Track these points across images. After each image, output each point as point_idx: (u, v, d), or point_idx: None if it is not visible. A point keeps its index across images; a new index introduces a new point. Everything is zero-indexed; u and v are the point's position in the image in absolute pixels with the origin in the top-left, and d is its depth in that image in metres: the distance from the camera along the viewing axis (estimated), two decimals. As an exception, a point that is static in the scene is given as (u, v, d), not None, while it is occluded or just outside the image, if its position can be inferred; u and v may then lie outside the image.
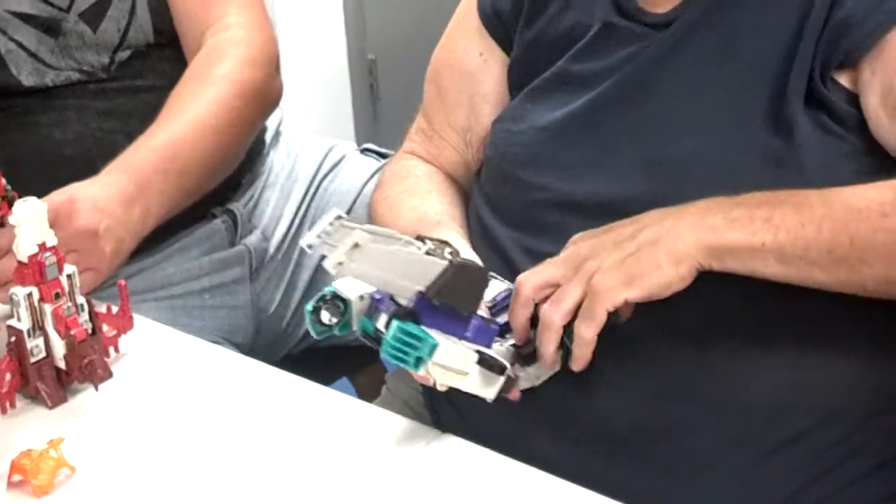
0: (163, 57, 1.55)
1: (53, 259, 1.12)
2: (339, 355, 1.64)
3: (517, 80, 1.28)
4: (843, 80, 1.08)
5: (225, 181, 1.57)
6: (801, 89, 1.07)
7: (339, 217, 0.98)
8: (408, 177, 1.35)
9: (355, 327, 1.02)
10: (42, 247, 1.11)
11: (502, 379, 1.02)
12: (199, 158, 1.43)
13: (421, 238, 1.01)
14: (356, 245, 0.98)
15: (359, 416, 1.13)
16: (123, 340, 1.22)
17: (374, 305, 1.01)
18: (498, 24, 1.30)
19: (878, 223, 0.99)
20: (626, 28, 1.17)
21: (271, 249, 1.62)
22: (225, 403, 1.15)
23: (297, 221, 1.65)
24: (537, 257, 1.09)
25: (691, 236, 1.00)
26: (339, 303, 1.01)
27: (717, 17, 1.12)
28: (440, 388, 1.03)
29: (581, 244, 1.05)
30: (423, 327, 0.98)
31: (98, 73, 1.50)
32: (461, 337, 1.01)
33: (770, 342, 1.05)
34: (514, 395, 1.05)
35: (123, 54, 1.52)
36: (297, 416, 1.13)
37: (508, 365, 1.03)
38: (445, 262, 0.98)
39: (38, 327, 1.13)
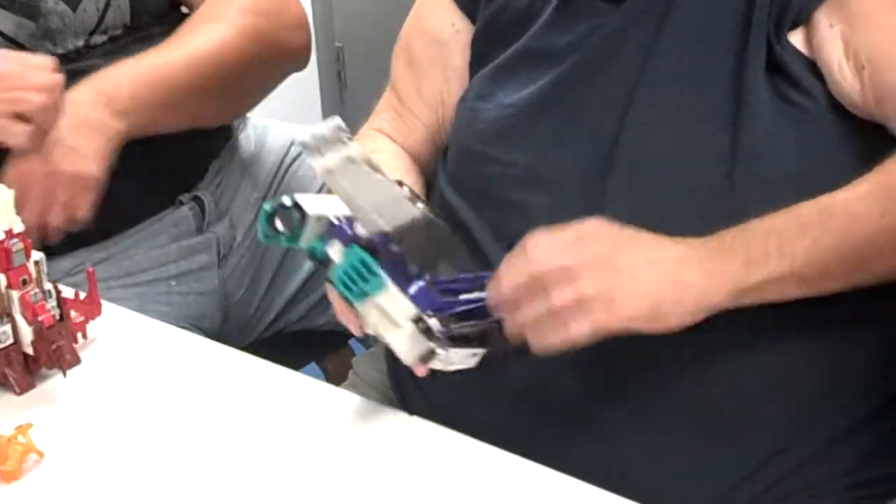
0: (136, 40, 1.54)
1: (20, 246, 1.12)
2: (307, 341, 1.65)
3: (478, 56, 1.27)
4: (798, 41, 1.09)
5: (191, 167, 1.58)
6: (761, 53, 1.07)
7: (341, 127, 0.95)
8: (378, 151, 1.34)
9: (303, 244, 0.99)
10: (9, 233, 1.11)
11: (427, 346, 0.99)
12: (190, 81, 1.47)
13: (408, 188, 1.01)
14: (350, 159, 0.95)
15: (327, 400, 1.14)
16: (91, 326, 1.22)
17: (331, 230, 0.99)
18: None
19: (876, 225, 1.01)
20: (585, 3, 1.17)
21: (238, 237, 1.63)
22: (193, 389, 1.15)
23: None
24: (501, 237, 1.10)
25: (721, 287, 1.00)
26: (296, 214, 0.98)
27: None
28: (363, 330, 1.01)
29: (606, 245, 1.01)
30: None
31: (71, 56, 1.49)
32: (403, 291, 0.99)
33: (724, 320, 1.06)
34: (421, 370, 1.02)
35: (100, 38, 1.52)
36: (266, 400, 1.13)
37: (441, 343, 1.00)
38: (421, 212, 0.98)
39: (5, 314, 1.13)
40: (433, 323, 1.00)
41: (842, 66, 1.07)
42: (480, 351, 1.02)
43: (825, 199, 1.02)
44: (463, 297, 1.03)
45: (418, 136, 1.35)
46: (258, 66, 1.56)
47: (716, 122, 1.08)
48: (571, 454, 1.06)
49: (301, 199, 1.00)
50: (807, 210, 1.02)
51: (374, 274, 0.97)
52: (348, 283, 0.97)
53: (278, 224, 0.99)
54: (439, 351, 1.01)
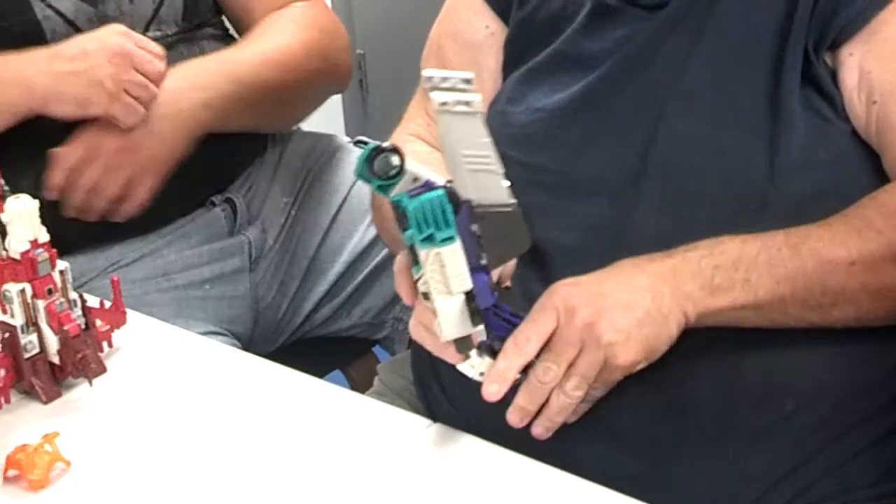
0: (180, 42, 1.57)
1: (45, 255, 1.12)
2: (332, 348, 1.66)
3: (511, 59, 1.27)
4: (828, 58, 1.09)
5: (224, 169, 1.59)
6: (797, 68, 1.07)
7: (468, 79, 0.96)
8: (416, 154, 1.33)
9: (392, 194, 0.97)
10: (34, 243, 1.11)
11: (471, 331, 0.99)
12: (262, 82, 1.54)
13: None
14: (468, 104, 0.95)
15: (352, 408, 1.14)
16: (116, 335, 1.22)
17: (422, 189, 0.97)
18: (501, 1, 1.29)
19: (846, 272, 1.02)
20: (620, 9, 1.17)
21: (269, 240, 1.63)
22: (219, 397, 1.16)
23: (293, 213, 1.66)
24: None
25: (689, 305, 1.01)
26: (396, 160, 0.96)
27: None
28: (421, 285, 0.99)
29: (585, 310, 1.00)
30: None
31: None
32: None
33: (754, 337, 1.06)
34: (455, 357, 1.01)
35: (153, 33, 1.53)
36: (291, 408, 1.13)
37: (480, 329, 1.00)
38: (513, 202, 0.97)
39: (31, 323, 1.13)
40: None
41: (852, 95, 1.08)
42: None
43: (800, 234, 1.03)
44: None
45: None
46: (316, 79, 1.62)
47: (751, 134, 1.08)
48: (599, 462, 1.06)
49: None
50: (780, 243, 1.02)
51: (448, 225, 0.96)
52: (421, 220, 0.95)
53: (376, 164, 0.97)
54: (472, 354, 1.01)
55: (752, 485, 1.07)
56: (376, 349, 1.80)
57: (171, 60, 1.52)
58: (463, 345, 1.00)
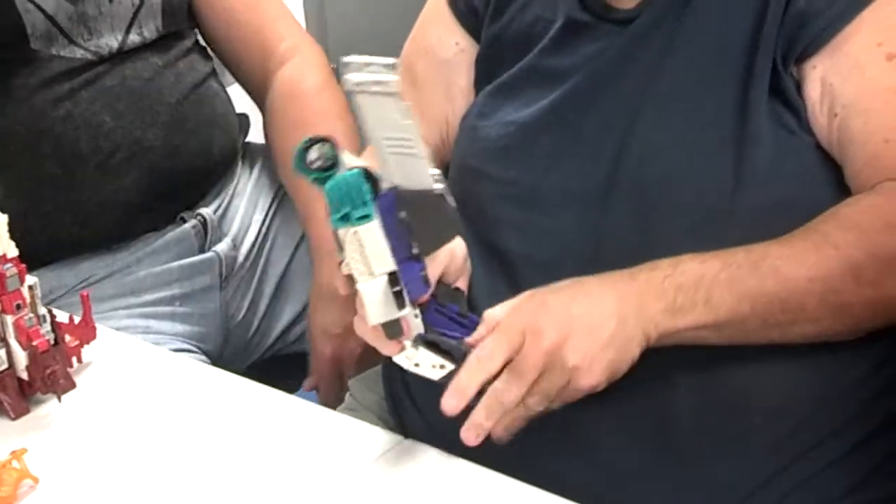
0: (155, 53, 1.56)
1: (14, 270, 1.11)
2: (303, 363, 1.64)
3: (482, 75, 1.28)
4: (794, 70, 1.09)
5: (195, 186, 1.58)
6: (765, 80, 1.08)
7: (390, 64, 0.94)
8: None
9: (328, 185, 0.96)
10: (3, 258, 1.11)
11: (397, 314, 0.98)
12: None
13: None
14: (385, 85, 0.93)
15: (323, 424, 1.13)
16: (86, 351, 1.21)
17: None
18: (470, 17, 1.29)
19: (805, 289, 1.02)
20: (591, 24, 1.18)
21: (240, 258, 1.63)
22: (189, 413, 1.15)
23: (263, 230, 1.66)
24: (497, 255, 1.10)
25: (651, 327, 1.01)
26: (330, 151, 0.96)
27: (679, 10, 1.12)
28: (343, 268, 0.98)
29: (551, 334, 0.99)
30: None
31: (102, 59, 1.51)
32: (397, 263, 0.97)
33: (722, 351, 1.06)
34: (389, 348, 1.01)
35: (133, 39, 1.53)
36: (262, 424, 1.13)
37: (412, 318, 1.00)
38: (440, 187, 0.97)
39: (-1, 339, 1.12)
40: (408, 303, 0.99)
41: (815, 107, 1.08)
42: (449, 366, 1.01)
43: (759, 251, 1.03)
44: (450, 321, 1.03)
45: None
46: None
47: (719, 146, 1.08)
48: (571, 477, 1.06)
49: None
50: (741, 261, 1.02)
51: (365, 203, 0.95)
52: (336, 200, 0.95)
53: (311, 156, 0.97)
54: (407, 345, 1.00)
55: (724, 498, 1.07)
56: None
57: (143, 69, 1.53)
58: (392, 329, 0.99)
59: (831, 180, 1.09)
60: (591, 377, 0.99)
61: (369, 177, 0.96)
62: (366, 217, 0.95)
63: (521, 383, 0.98)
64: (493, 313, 1.02)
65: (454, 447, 1.07)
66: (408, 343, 1.00)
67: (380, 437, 1.11)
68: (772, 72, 1.08)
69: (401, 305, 0.98)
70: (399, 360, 1.02)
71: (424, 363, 1.01)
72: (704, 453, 1.08)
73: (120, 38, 1.52)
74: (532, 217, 1.14)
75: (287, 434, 1.11)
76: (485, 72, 1.27)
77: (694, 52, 1.11)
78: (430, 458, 1.07)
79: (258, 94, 1.65)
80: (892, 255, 1.02)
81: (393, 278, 0.97)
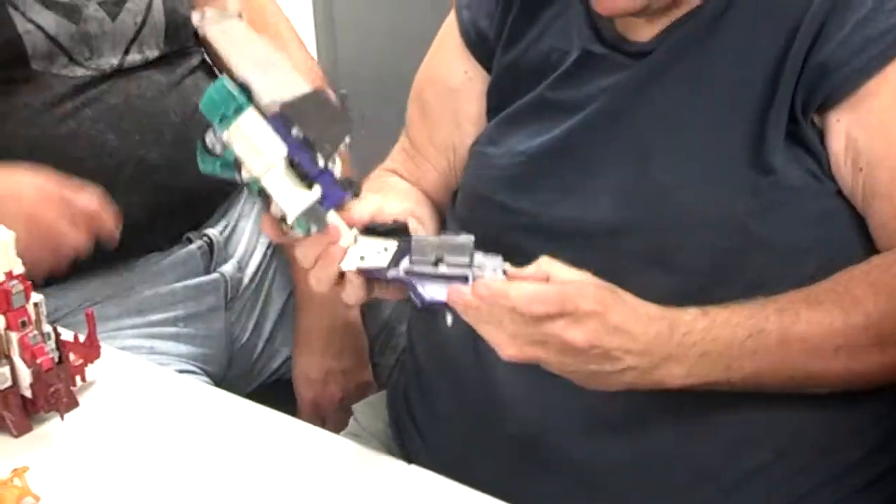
0: (161, 72, 1.56)
1: (20, 287, 1.11)
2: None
3: (495, 104, 1.27)
4: (816, 119, 1.09)
5: (200, 206, 1.58)
6: (782, 125, 1.07)
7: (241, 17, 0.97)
8: (384, 186, 1.34)
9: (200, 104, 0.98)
10: (9, 275, 1.10)
11: (312, 197, 0.97)
12: None
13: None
14: (230, 13, 0.96)
15: (327, 448, 1.13)
16: (90, 369, 1.21)
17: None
18: (481, 45, 1.29)
19: (832, 357, 1.02)
20: (606, 56, 1.17)
21: (245, 280, 1.62)
22: (192, 434, 1.14)
23: (269, 252, 1.65)
24: None
25: (664, 383, 1.02)
26: (219, 133, 0.98)
27: (697, 48, 1.12)
28: (245, 175, 0.98)
29: (579, 330, 0.97)
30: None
31: (104, 76, 1.51)
32: (312, 178, 0.97)
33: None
34: (333, 255, 1.00)
35: (134, 57, 1.53)
36: (265, 447, 1.12)
37: (337, 220, 0.99)
38: (313, 87, 0.97)
39: (3, 356, 1.12)
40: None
41: (838, 159, 1.08)
42: (392, 244, 1.01)
43: (790, 312, 1.02)
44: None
45: (431, 180, 1.35)
46: None
47: (734, 187, 1.08)
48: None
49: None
50: (770, 328, 1.02)
51: (234, 97, 0.95)
52: (212, 109, 0.96)
53: (209, 141, 0.98)
54: (346, 245, 0.99)
55: None
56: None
57: (147, 88, 1.52)
58: (315, 218, 0.98)
59: (854, 226, 1.09)
60: (603, 386, 1.01)
61: (235, 83, 0.96)
62: (239, 108, 0.96)
63: (549, 346, 0.97)
64: (559, 269, 1.00)
65: (458, 474, 1.06)
66: (346, 244, 1.00)
67: (383, 463, 1.10)
68: (789, 118, 1.07)
69: (309, 185, 0.97)
70: (345, 264, 1.01)
71: (369, 252, 1.01)
72: (704, 490, 1.07)
73: (119, 56, 1.52)
74: (540, 247, 1.13)
75: (290, 458, 1.10)
76: (497, 101, 1.27)
77: (710, 91, 1.11)
78: (434, 485, 1.06)
79: None
80: None
81: (292, 162, 0.97)
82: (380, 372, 1.61)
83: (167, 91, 1.55)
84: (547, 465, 1.10)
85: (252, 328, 1.62)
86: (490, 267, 0.99)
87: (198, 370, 1.53)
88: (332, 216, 1.00)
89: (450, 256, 0.99)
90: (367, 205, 1.03)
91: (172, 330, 1.55)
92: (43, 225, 1.28)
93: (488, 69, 1.30)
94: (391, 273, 1.00)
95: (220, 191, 1.61)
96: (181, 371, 1.47)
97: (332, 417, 1.51)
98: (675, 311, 1.02)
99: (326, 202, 0.99)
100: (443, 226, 1.31)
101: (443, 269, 0.99)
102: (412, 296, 0.99)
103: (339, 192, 0.99)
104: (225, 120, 0.96)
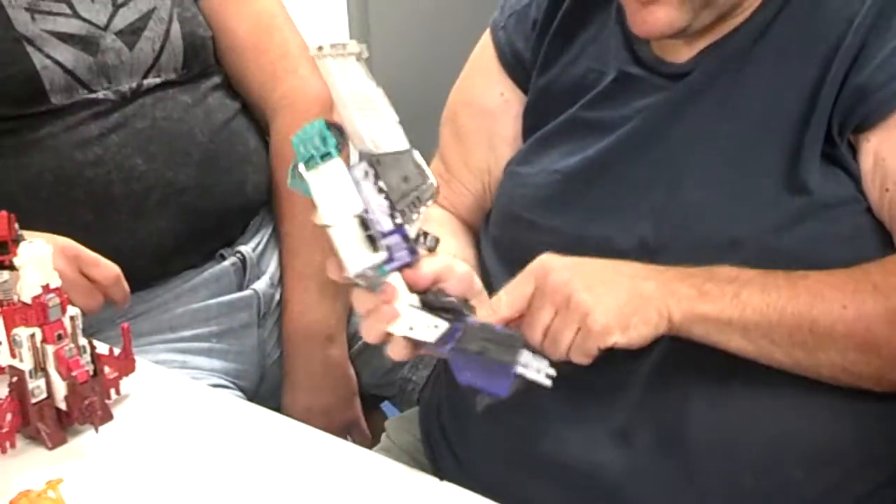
0: (184, 91, 1.57)
1: (56, 301, 1.12)
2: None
3: (530, 126, 1.27)
4: (851, 139, 1.09)
5: (231, 224, 1.59)
6: (818, 147, 1.07)
7: (359, 56, 0.96)
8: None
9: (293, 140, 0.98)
10: (45, 288, 1.11)
11: (375, 260, 0.98)
12: None
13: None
14: (344, 49, 0.95)
15: (359, 464, 1.13)
16: (125, 383, 1.22)
17: None
18: (518, 68, 1.30)
19: (837, 314, 1.02)
20: (643, 78, 1.18)
21: (277, 296, 1.63)
22: (225, 449, 1.15)
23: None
24: None
25: (674, 301, 1.02)
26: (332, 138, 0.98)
27: (734, 70, 1.12)
28: (317, 220, 0.98)
29: (562, 272, 1.03)
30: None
31: (125, 98, 1.52)
32: (382, 235, 0.98)
33: (757, 395, 1.05)
34: (389, 295, 1.00)
35: (153, 81, 1.54)
36: (297, 462, 1.12)
37: (398, 281, 1.00)
38: (408, 146, 0.97)
39: (39, 368, 1.13)
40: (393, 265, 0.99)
41: (867, 177, 1.08)
42: (443, 325, 1.01)
43: (799, 273, 1.04)
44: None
45: (466, 203, 1.35)
46: None
47: (769, 209, 1.07)
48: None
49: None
50: (780, 276, 1.03)
51: (326, 142, 0.96)
52: (303, 149, 0.96)
53: (301, 169, 0.98)
54: (408, 311, 1.00)
55: None
56: (385, 405, 1.79)
57: (173, 109, 1.53)
58: (370, 280, 0.99)
59: (883, 240, 1.08)
60: (603, 318, 1.00)
61: (333, 127, 0.97)
62: (328, 155, 0.96)
63: (536, 320, 1.00)
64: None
65: (489, 491, 1.06)
66: (400, 307, 1.00)
67: (415, 479, 1.10)
68: (826, 139, 1.07)
69: (374, 249, 0.98)
70: (394, 328, 1.01)
71: (419, 325, 1.01)
72: None
73: (137, 81, 1.53)
74: None
75: (322, 473, 1.10)
76: (533, 122, 1.27)
77: (746, 114, 1.11)
78: (465, 502, 1.06)
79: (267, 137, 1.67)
80: None
81: (364, 221, 0.97)
82: (412, 388, 1.61)
83: (192, 110, 1.56)
84: (581, 484, 1.10)
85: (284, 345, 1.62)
86: (534, 367, 1.00)
87: (230, 385, 1.54)
88: (395, 276, 1.00)
89: (496, 349, 1.00)
90: (434, 265, 1.03)
91: (205, 345, 1.56)
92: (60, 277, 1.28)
93: (524, 90, 1.30)
94: (437, 350, 1.02)
95: (252, 208, 1.62)
96: (214, 385, 1.48)
97: None
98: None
99: (390, 264, 0.99)
100: (476, 246, 1.31)
101: (487, 356, 1.00)
102: (453, 371, 1.01)
103: (406, 256, 1.00)
104: (311, 161, 0.97)
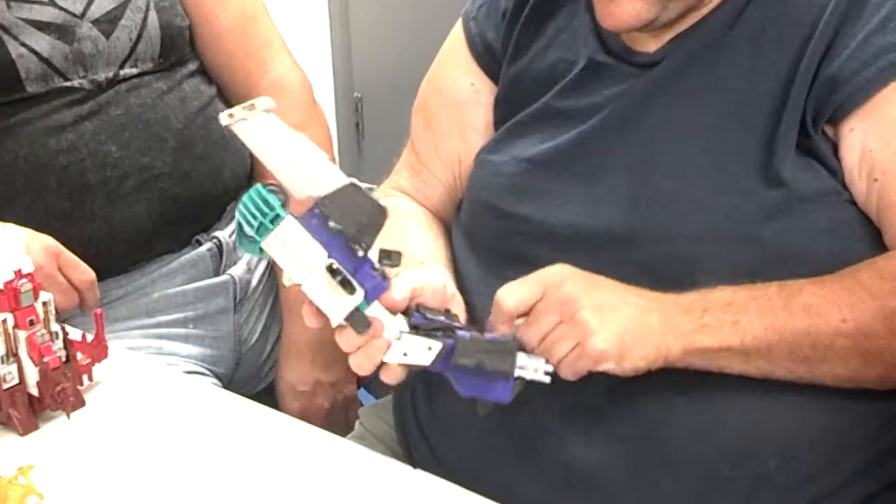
0: (159, 78, 1.56)
1: (29, 286, 1.12)
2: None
3: (501, 115, 1.27)
4: (828, 130, 1.09)
5: (208, 209, 1.58)
6: (792, 137, 1.07)
7: (269, 111, 0.96)
8: (391, 216, 1.34)
9: (236, 212, 0.98)
10: (18, 273, 1.11)
11: (353, 303, 0.98)
12: None
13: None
14: (253, 109, 0.95)
15: (333, 451, 1.13)
16: (97, 369, 1.21)
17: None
18: (488, 58, 1.30)
19: (836, 330, 1.02)
20: (613, 67, 1.17)
21: (254, 282, 1.63)
22: (198, 435, 1.15)
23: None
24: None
25: (673, 338, 1.02)
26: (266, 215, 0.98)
27: (705, 60, 1.12)
28: (286, 281, 0.99)
29: (575, 286, 1.02)
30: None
31: (101, 87, 1.51)
32: (350, 274, 0.98)
33: (732, 386, 1.05)
34: (377, 331, 1.00)
35: (129, 71, 1.53)
36: (270, 449, 1.12)
37: (382, 313, 1.00)
38: (349, 179, 0.97)
39: (11, 354, 1.12)
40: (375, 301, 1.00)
41: (853, 171, 1.07)
42: (437, 345, 1.01)
43: (792, 288, 1.03)
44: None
45: (437, 193, 1.35)
46: None
47: (743, 199, 1.07)
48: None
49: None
50: (772, 294, 1.03)
51: (272, 207, 0.96)
52: (248, 218, 0.96)
53: (246, 230, 0.98)
54: (398, 335, 1.00)
55: None
56: (360, 393, 1.79)
57: (147, 95, 1.53)
58: (358, 323, 0.99)
59: (868, 237, 1.08)
60: (603, 344, 1.00)
61: (269, 188, 0.97)
62: (278, 217, 0.96)
63: (536, 325, 1.00)
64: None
65: (463, 479, 1.06)
66: (391, 338, 1.00)
67: (388, 467, 1.10)
68: (802, 132, 1.07)
69: (350, 291, 0.98)
70: (389, 357, 1.01)
71: (413, 350, 1.01)
72: (709, 495, 1.07)
73: (113, 71, 1.52)
74: (544, 253, 1.13)
75: (295, 460, 1.10)
76: (504, 112, 1.27)
77: (718, 103, 1.11)
78: (438, 490, 1.06)
79: None
80: None
81: (332, 269, 0.97)
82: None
83: (166, 96, 1.55)
84: (556, 474, 1.10)
85: (260, 330, 1.62)
86: (531, 367, 1.01)
87: (206, 371, 1.53)
88: (375, 307, 1.00)
89: (492, 358, 1.00)
90: (406, 285, 1.02)
91: (181, 331, 1.55)
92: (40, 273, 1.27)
93: (495, 80, 1.30)
94: (434, 369, 1.02)
95: (229, 193, 1.62)
96: (189, 372, 1.47)
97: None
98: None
99: (368, 298, 0.99)
100: (447, 236, 1.31)
101: (485, 367, 1.00)
102: (454, 385, 1.02)
103: (380, 284, 1.00)
104: (263, 229, 0.97)
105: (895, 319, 1.02)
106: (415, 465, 1.11)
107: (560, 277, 1.03)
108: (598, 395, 1.08)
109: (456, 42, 1.34)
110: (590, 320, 1.00)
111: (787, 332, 1.02)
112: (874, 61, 1.05)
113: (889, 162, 1.06)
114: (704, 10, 1.13)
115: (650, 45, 1.16)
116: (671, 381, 1.04)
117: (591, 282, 1.03)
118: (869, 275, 1.04)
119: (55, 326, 1.15)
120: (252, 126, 0.96)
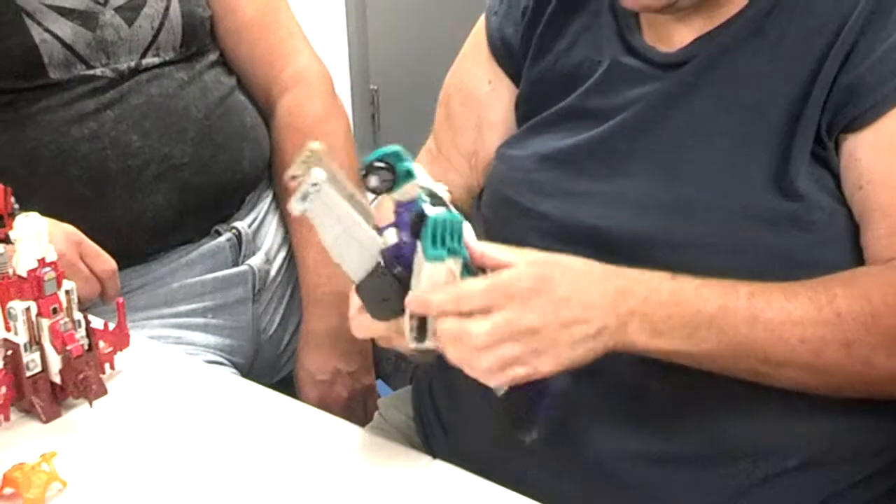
0: (180, 68, 1.57)
1: (52, 274, 1.12)
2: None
3: (523, 113, 1.27)
4: (840, 139, 1.08)
5: (228, 199, 1.59)
6: (808, 146, 1.07)
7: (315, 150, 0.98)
8: None
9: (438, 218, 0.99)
10: (41, 262, 1.12)
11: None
12: None
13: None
14: (317, 186, 0.97)
15: (352, 441, 1.14)
16: (119, 358, 1.22)
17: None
18: (506, 55, 1.30)
19: (792, 348, 1.01)
20: (635, 68, 1.17)
21: (273, 272, 1.63)
22: (219, 424, 1.15)
23: (296, 245, 1.66)
24: None
25: (624, 344, 1.01)
26: (387, 174, 1.00)
27: (727, 63, 1.11)
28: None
29: (547, 303, 0.98)
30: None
31: (122, 76, 1.51)
32: None
33: (758, 388, 1.05)
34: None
35: (151, 60, 1.54)
36: (290, 438, 1.13)
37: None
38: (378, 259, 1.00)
39: (34, 342, 1.13)
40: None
41: (841, 175, 1.07)
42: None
43: (764, 298, 1.02)
44: None
45: (454, 181, 1.35)
46: None
47: (756, 208, 1.07)
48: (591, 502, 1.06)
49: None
50: (740, 307, 1.01)
51: (460, 241, 0.99)
52: (439, 234, 0.98)
53: (371, 181, 0.99)
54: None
55: None
56: (379, 383, 1.79)
57: (168, 85, 1.53)
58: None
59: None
60: (547, 368, 0.99)
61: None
62: (463, 252, 1.00)
63: (482, 339, 0.98)
64: (505, 258, 1.01)
65: (481, 469, 1.07)
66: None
67: (406, 457, 1.11)
68: (817, 141, 1.07)
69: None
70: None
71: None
72: (724, 490, 1.07)
73: (135, 60, 1.53)
74: (561, 251, 1.14)
75: (314, 450, 1.11)
76: (528, 110, 1.26)
77: (737, 108, 1.10)
78: (457, 479, 1.07)
79: (266, 118, 1.67)
80: (891, 336, 1.01)
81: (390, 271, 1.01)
82: (405, 367, 1.62)
83: (187, 86, 1.55)
84: (575, 464, 1.10)
85: (279, 320, 1.63)
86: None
87: (225, 361, 1.54)
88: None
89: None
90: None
91: (200, 321, 1.56)
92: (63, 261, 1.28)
93: (512, 77, 1.30)
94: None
95: (246, 184, 1.62)
96: (208, 361, 1.48)
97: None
98: (633, 270, 1.02)
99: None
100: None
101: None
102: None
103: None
104: (449, 251, 0.99)
105: (853, 346, 1.01)
106: (434, 455, 1.12)
107: (526, 302, 0.98)
108: (619, 390, 1.08)
109: (477, 36, 1.34)
110: (545, 347, 0.98)
111: (741, 349, 1.01)
112: (891, 78, 1.05)
113: (875, 173, 1.06)
114: (727, 13, 1.12)
115: (673, 43, 1.15)
116: (696, 377, 1.04)
117: (560, 301, 0.99)
118: (842, 290, 1.02)
119: (78, 315, 1.16)
120: (315, 208, 0.98)
